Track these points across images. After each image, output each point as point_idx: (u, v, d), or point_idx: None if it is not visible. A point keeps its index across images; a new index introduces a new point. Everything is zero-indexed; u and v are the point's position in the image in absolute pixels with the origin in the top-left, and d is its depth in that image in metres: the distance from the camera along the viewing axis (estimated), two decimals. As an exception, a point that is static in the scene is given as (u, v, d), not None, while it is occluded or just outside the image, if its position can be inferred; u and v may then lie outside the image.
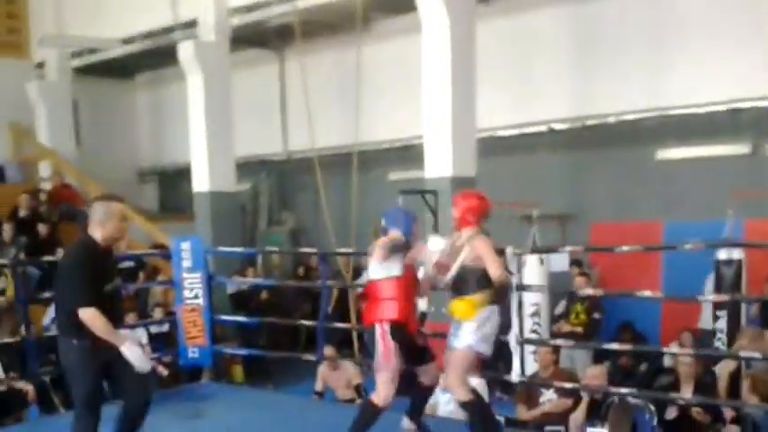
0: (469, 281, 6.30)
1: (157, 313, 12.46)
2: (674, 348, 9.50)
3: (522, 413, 9.20)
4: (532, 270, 10.81)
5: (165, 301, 13.04)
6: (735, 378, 8.80)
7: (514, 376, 8.10)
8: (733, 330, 9.49)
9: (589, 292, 10.31)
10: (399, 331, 6.41)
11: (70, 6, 18.30)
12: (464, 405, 6.44)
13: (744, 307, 9.67)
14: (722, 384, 8.88)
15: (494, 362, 9.50)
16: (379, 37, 15.46)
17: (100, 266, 5.88)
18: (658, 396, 8.47)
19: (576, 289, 10.90)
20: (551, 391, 9.05)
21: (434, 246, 7.02)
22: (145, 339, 12.51)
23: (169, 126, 19.63)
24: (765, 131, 12.01)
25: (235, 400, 9.55)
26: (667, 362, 10.09)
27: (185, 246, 9.78)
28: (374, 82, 14.78)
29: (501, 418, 8.94)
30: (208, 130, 14.57)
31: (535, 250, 10.55)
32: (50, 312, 12.48)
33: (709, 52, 12.09)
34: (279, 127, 17.84)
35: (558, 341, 10.15)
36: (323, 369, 10.51)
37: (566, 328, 11.32)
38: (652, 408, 8.35)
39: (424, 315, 9.84)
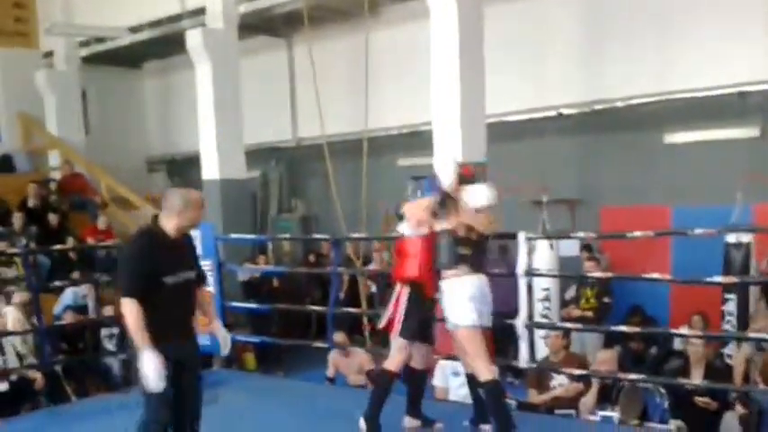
0: None
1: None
2: (683, 331, 9.51)
3: (534, 397, 9.23)
4: (542, 255, 10.86)
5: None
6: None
7: (522, 362, 8.12)
8: (743, 313, 9.52)
9: (598, 275, 10.31)
10: (417, 296, 6.56)
11: (78, -5, 18.33)
12: (483, 385, 6.48)
13: (752, 290, 9.71)
14: (738, 370, 8.89)
15: (505, 346, 9.57)
16: (387, 23, 15.45)
17: (163, 257, 5.57)
18: (668, 381, 8.48)
19: (586, 273, 10.92)
20: (562, 374, 9.08)
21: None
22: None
23: (178, 114, 19.66)
24: (774, 115, 12.00)
25: (246, 386, 9.60)
26: (677, 345, 10.10)
27: (195, 233, 9.79)
28: (383, 68, 14.77)
29: (512, 402, 9.00)
30: (217, 117, 14.57)
31: (546, 236, 10.56)
32: (62, 301, 12.55)
33: (716, 36, 12.06)
34: (288, 114, 17.84)
35: (569, 325, 10.17)
36: (334, 355, 10.55)
37: (576, 312, 11.34)
38: (663, 391, 8.38)
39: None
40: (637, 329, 9.54)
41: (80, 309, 12.29)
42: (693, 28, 12.31)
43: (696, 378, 8.46)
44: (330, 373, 10.61)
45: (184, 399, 5.77)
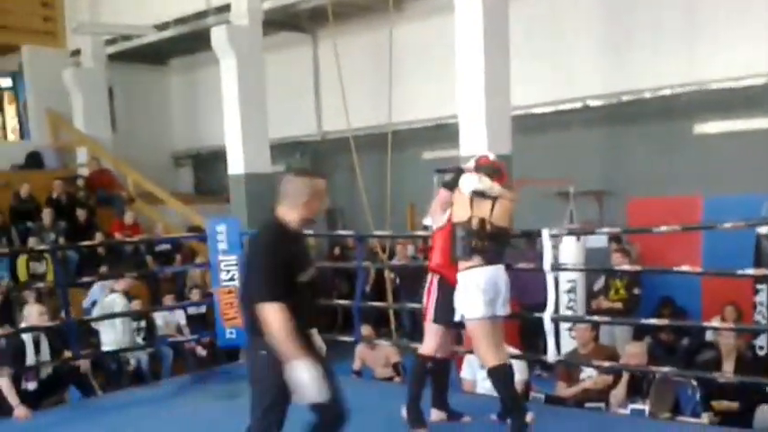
0: None
1: (195, 295, 12.52)
2: (715, 323, 9.41)
3: (562, 390, 9.15)
4: (569, 247, 10.76)
5: (203, 283, 13.12)
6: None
7: (551, 356, 8.06)
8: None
9: (626, 268, 10.22)
10: (445, 283, 6.64)
11: (104, -7, 18.42)
12: (488, 372, 6.50)
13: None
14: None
15: (533, 339, 9.51)
16: (411, 17, 15.43)
17: (294, 253, 5.01)
18: (699, 374, 8.39)
19: (614, 265, 10.81)
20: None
21: None
22: (183, 320, 12.63)
23: (203, 110, 19.72)
24: (804, 103, 11.88)
25: (273, 380, 9.58)
26: (709, 336, 10.00)
27: (221, 228, 9.81)
28: (407, 62, 14.75)
29: (541, 396, 8.93)
30: (242, 112, 14.58)
31: (571, 232, 10.48)
32: (90, 296, 12.61)
33: (745, 24, 11.96)
34: (313, 108, 17.86)
35: (596, 318, 10.08)
36: (360, 348, 10.53)
37: (605, 303, 11.24)
38: (694, 383, 8.29)
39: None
40: (666, 322, 9.45)
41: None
42: (723, 16, 12.20)
43: (728, 370, 8.37)
44: (356, 366, 10.59)
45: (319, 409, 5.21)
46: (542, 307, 7.94)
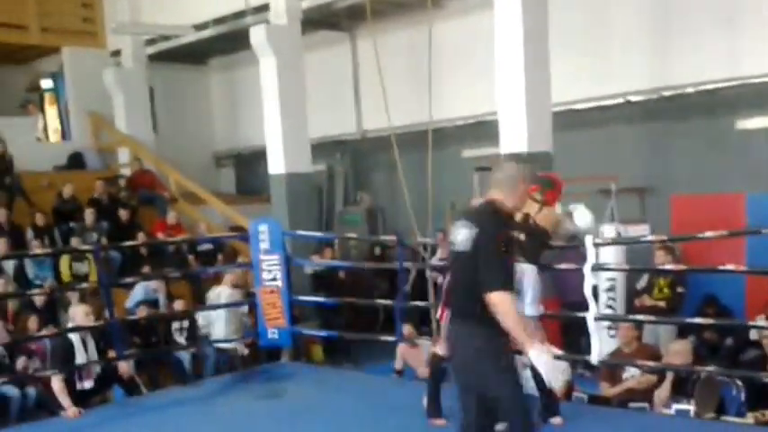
0: None
1: (237, 295, 12.57)
2: (759, 322, 9.30)
3: (606, 390, 9.10)
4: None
5: (244, 283, 13.17)
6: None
7: (594, 357, 8.01)
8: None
9: (670, 267, 10.12)
10: None
11: (144, -6, 18.53)
12: None
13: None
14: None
15: (575, 338, 9.46)
16: (450, 14, 15.39)
17: (512, 242, 5.06)
18: (744, 374, 8.30)
19: (657, 263, 10.71)
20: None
21: None
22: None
23: (244, 109, 19.80)
24: None
25: (314, 379, 9.63)
26: (753, 335, 9.89)
27: (263, 228, 9.85)
28: (447, 59, 14.71)
29: (584, 396, 8.88)
30: (282, 112, 14.63)
31: (617, 241, 10.39)
32: (133, 296, 12.70)
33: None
34: (352, 107, 17.86)
35: (640, 317, 9.99)
36: (402, 347, 10.53)
37: (648, 302, 11.14)
38: (739, 383, 8.20)
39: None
40: (712, 321, 9.36)
41: (151, 303, 12.43)
42: (766, 10, 12.05)
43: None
44: (398, 365, 10.59)
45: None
46: (584, 305, 7.90)
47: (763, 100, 12.21)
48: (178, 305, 12.23)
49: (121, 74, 18.61)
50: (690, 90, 12.81)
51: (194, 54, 19.47)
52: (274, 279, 9.83)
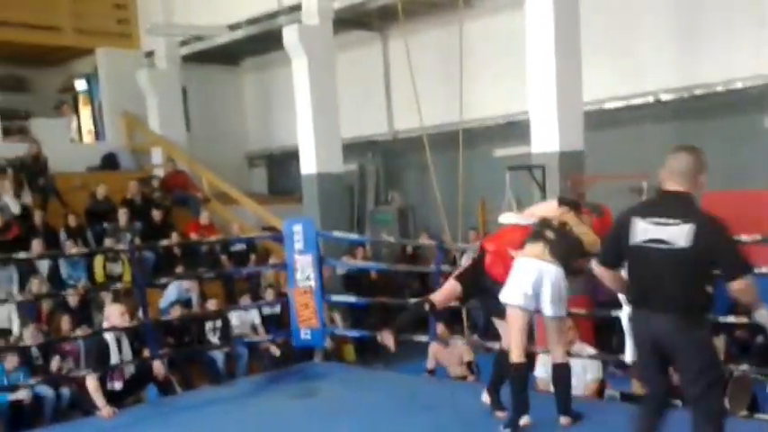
0: None
1: (269, 295, 12.65)
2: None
3: (639, 388, 9.07)
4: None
5: (277, 283, 13.25)
6: None
7: (628, 356, 7.99)
8: None
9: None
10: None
11: (177, -5, 18.66)
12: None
13: None
14: None
15: (606, 336, 9.43)
16: (481, 13, 15.40)
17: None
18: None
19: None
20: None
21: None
22: (258, 320, 12.77)
23: (276, 110, 19.87)
24: None
25: (347, 378, 9.65)
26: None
27: (297, 228, 9.87)
28: (478, 59, 14.73)
29: (616, 394, 8.87)
30: (314, 112, 14.71)
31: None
32: (167, 296, 12.79)
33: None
34: (384, 107, 17.90)
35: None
36: (434, 347, 10.53)
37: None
38: (771, 381, 8.19)
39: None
40: (743, 320, 9.30)
41: (184, 303, 12.53)
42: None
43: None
44: (430, 365, 10.60)
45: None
46: (616, 303, 7.89)
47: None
48: (211, 305, 12.32)
49: (155, 74, 18.74)
50: (719, 88, 12.79)
51: (227, 54, 19.57)
52: (308, 279, 9.86)
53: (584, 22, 11.65)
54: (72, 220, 14.67)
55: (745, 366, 8.03)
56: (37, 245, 12.90)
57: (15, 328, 11.69)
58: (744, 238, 7.57)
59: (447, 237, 13.48)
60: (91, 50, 19.29)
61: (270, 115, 20.48)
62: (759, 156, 12.49)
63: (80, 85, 20.94)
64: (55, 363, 10.77)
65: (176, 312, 11.81)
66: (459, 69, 12.76)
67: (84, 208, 15.45)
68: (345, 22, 16.04)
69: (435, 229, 13.26)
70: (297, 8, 15.33)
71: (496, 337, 7.34)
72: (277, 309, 12.68)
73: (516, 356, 6.53)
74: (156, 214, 15.31)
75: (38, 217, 14.18)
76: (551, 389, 8.64)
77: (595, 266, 5.52)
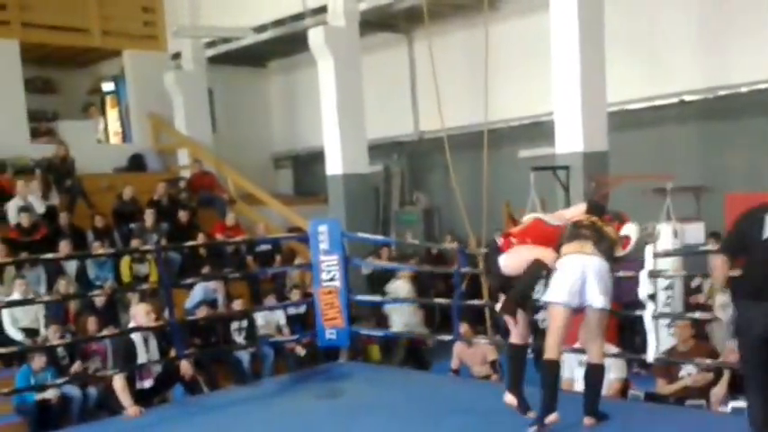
0: None
1: (295, 295, 12.71)
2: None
3: (662, 387, 9.09)
4: (667, 242, 10.64)
5: (302, 283, 13.31)
6: None
7: (650, 356, 8.00)
8: None
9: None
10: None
11: (203, -3, 18.76)
12: (540, 361, 6.75)
13: None
14: None
15: (630, 336, 9.43)
16: (506, 15, 15.43)
17: None
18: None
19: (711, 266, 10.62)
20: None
21: None
22: (283, 320, 12.83)
23: (302, 111, 19.95)
24: None
25: (371, 378, 9.70)
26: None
27: (323, 229, 9.92)
28: (503, 60, 14.73)
29: (640, 393, 8.88)
30: (340, 113, 14.78)
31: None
32: (193, 296, 12.86)
33: None
34: (409, 108, 17.94)
35: (698, 314, 9.95)
36: (458, 346, 10.56)
37: (702, 300, 11.09)
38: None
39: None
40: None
41: (210, 303, 12.59)
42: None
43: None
44: (454, 364, 10.62)
45: None
46: (639, 305, 7.91)
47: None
48: (237, 305, 12.39)
49: (181, 76, 18.84)
50: (743, 89, 12.77)
51: (253, 56, 19.67)
52: (333, 279, 9.91)
53: (609, 24, 11.67)
54: (99, 221, 14.75)
55: None
56: (64, 246, 12.99)
57: (43, 329, 11.80)
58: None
59: (471, 239, 13.52)
60: (118, 53, 19.41)
61: (295, 116, 20.55)
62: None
63: (107, 86, 21.09)
64: (77, 365, 10.83)
65: (202, 313, 11.88)
66: (485, 71, 12.76)
67: (111, 209, 15.50)
68: (371, 23, 16.09)
69: (460, 231, 13.26)
70: (322, 10, 15.40)
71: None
72: (302, 309, 12.75)
73: (553, 354, 6.49)
74: (183, 215, 15.34)
75: (65, 218, 14.26)
76: (573, 388, 8.72)
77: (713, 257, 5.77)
